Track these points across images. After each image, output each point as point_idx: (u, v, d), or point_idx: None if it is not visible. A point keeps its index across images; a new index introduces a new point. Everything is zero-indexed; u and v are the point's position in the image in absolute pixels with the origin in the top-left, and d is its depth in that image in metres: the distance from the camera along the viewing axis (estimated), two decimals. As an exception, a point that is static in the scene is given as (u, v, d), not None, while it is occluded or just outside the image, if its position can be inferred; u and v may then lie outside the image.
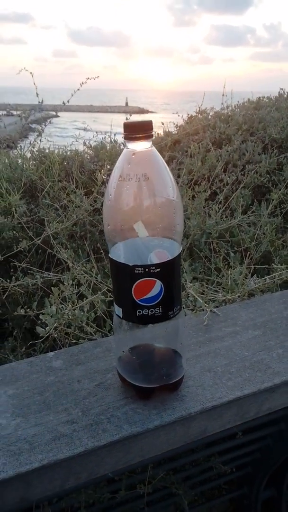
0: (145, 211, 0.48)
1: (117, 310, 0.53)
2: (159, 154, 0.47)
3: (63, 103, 1.72)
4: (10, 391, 0.57)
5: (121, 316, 0.52)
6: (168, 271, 0.49)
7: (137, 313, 0.50)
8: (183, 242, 1.17)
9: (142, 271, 0.48)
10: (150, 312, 0.50)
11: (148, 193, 0.47)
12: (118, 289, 0.52)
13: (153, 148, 0.47)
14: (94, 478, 0.50)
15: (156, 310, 0.50)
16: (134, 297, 0.49)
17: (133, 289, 0.49)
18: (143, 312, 0.50)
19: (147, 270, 0.48)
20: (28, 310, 0.82)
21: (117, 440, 0.48)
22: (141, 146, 0.46)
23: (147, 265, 0.48)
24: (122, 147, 1.67)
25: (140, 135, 0.45)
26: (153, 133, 0.46)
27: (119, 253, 0.50)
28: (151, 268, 0.48)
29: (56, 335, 0.77)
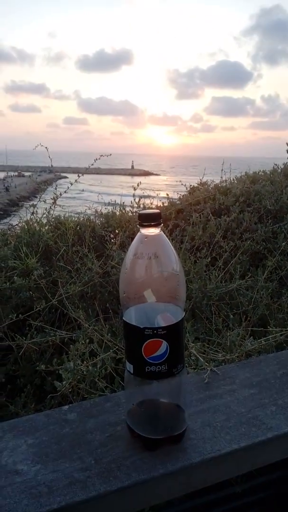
0: (154, 282, 0.58)
1: (128, 367, 0.61)
2: (166, 237, 0.59)
3: (78, 175, 1.92)
4: (30, 441, 0.63)
5: (132, 372, 0.60)
6: (173, 333, 0.58)
7: (146, 369, 0.58)
8: (186, 304, 1.26)
9: (151, 333, 0.57)
10: (157, 369, 0.58)
11: (157, 268, 0.58)
12: (130, 347, 0.61)
13: (162, 232, 0.58)
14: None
15: (162, 367, 0.58)
16: (144, 355, 0.58)
17: (143, 348, 0.58)
18: (151, 368, 0.58)
19: (155, 331, 0.57)
20: (48, 366, 0.89)
21: (127, 486, 0.54)
22: (152, 231, 0.58)
23: (155, 328, 0.57)
24: (130, 214, 1.82)
25: (151, 223, 0.57)
26: (161, 221, 0.58)
27: (131, 316, 0.60)
28: (159, 330, 0.57)
29: (69, 390, 0.84)
